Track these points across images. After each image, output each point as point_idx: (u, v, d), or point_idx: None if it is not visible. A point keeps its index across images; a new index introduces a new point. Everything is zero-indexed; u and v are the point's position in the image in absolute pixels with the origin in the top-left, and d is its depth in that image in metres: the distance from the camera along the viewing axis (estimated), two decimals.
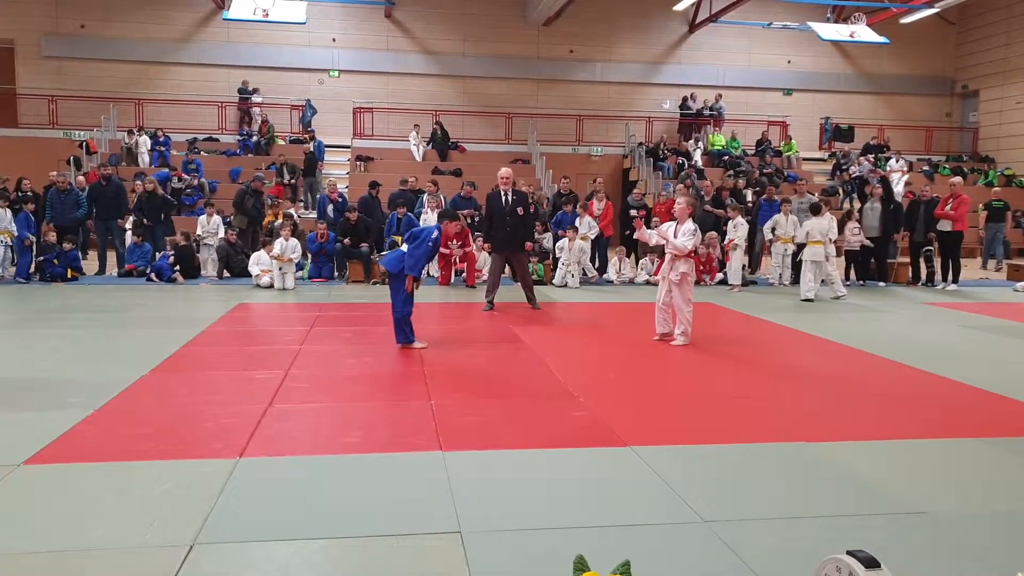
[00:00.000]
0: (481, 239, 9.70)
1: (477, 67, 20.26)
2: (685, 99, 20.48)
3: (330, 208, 11.80)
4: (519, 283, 8.90)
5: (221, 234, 11.18)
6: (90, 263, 11.46)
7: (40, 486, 3.08)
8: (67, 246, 10.23)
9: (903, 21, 19.76)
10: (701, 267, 11.12)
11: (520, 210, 8.40)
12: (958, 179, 12.01)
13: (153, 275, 10.26)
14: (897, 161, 18.82)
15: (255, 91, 18.94)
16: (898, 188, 15.44)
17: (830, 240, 9.56)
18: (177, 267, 10.53)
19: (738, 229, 10.55)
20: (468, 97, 20.35)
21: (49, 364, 5.33)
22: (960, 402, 4.66)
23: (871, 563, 1.02)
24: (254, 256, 10.08)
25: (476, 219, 11.41)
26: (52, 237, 10.25)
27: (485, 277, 10.81)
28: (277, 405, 4.28)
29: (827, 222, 9.68)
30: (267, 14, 15.52)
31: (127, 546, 2.57)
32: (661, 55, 21.05)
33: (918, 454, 3.65)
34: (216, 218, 11.46)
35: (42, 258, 10.04)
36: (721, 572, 2.46)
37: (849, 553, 1.02)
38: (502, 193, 8.41)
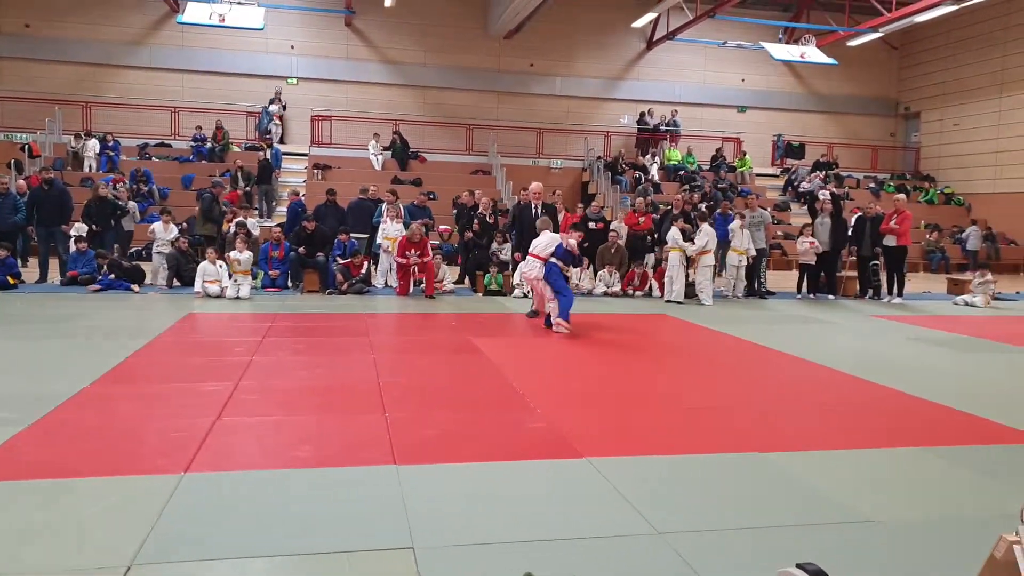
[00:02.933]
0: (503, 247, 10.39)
1: (438, 78, 20.28)
2: (642, 114, 20.83)
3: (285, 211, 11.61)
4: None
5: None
6: (31, 271, 11.01)
7: None
8: (1, 253, 9.76)
9: (850, 44, 20.49)
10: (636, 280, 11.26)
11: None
12: (902, 196, 12.43)
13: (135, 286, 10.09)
14: (826, 181, 19.22)
15: (275, 100, 18.77)
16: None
17: (683, 249, 10.40)
18: (113, 276, 10.17)
19: (703, 236, 10.44)
20: (429, 107, 20.33)
21: None
22: (907, 413, 4.78)
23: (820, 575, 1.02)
24: (199, 268, 9.79)
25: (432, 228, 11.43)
26: None
27: (447, 287, 10.80)
28: (225, 418, 4.15)
29: (677, 232, 10.48)
30: (223, 19, 15.25)
31: (61, 568, 2.44)
32: (620, 71, 21.39)
33: (868, 464, 3.73)
34: (172, 226, 11.12)
35: None
36: None
37: (799, 566, 1.02)
38: (532, 206, 8.65)
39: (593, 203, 13.36)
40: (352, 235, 11.19)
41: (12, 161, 15.11)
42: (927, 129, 22.33)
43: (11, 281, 9.77)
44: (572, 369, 6.03)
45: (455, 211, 13.64)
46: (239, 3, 15.46)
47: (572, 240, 7.68)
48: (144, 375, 5.23)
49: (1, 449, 3.53)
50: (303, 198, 13.58)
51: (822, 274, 11.61)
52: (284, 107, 18.98)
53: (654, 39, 20.89)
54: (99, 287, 9.82)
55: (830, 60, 18.91)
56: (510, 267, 11.18)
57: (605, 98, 21.34)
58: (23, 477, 3.21)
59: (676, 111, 20.86)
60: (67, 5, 18.26)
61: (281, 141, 18.74)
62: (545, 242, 7.63)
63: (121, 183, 13.91)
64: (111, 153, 16.72)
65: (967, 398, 5.06)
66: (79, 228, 11.13)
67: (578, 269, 9.45)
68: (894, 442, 4.08)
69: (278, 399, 4.63)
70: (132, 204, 12.15)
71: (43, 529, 2.71)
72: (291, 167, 18.21)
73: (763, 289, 11.42)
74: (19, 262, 10.61)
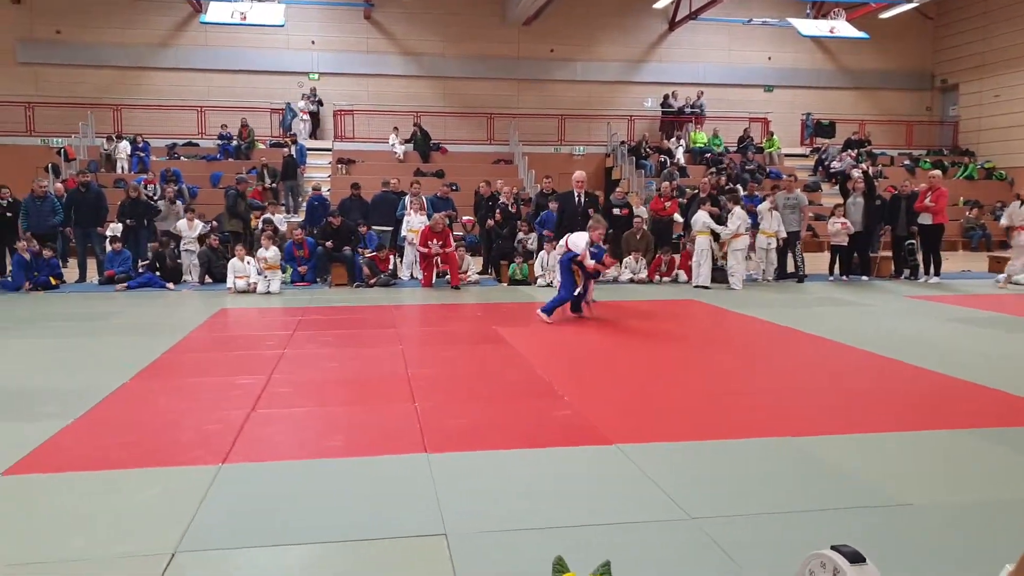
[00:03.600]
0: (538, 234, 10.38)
1: (458, 68, 20.23)
2: (666, 97, 20.55)
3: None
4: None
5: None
6: (70, 271, 11.30)
7: (19, 497, 3.03)
8: (47, 253, 10.11)
9: (882, 16, 19.93)
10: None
11: (592, 211, 8.89)
12: (936, 172, 12.07)
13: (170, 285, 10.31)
14: (859, 159, 18.78)
15: (306, 96, 18.98)
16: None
17: (712, 231, 10.26)
18: (158, 273, 10.45)
19: (736, 219, 10.20)
20: (449, 98, 20.31)
21: (29, 373, 5.24)
22: (946, 394, 4.68)
23: (856, 558, 1.01)
24: (229, 265, 10.00)
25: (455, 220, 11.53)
26: (35, 246, 10.11)
27: (472, 278, 10.84)
28: (260, 410, 4.23)
29: (705, 215, 10.31)
30: (245, 17, 15.41)
31: (108, 555, 2.53)
32: (642, 53, 21.12)
33: (904, 447, 3.67)
34: (198, 223, 11.33)
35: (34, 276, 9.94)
36: (709, 569, 2.46)
37: (834, 548, 1.01)
38: (576, 194, 8.75)
39: (618, 189, 13.27)
40: (376, 228, 11.28)
41: (49, 165, 15.49)
42: (966, 102, 21.63)
43: (53, 281, 10.07)
44: (599, 356, 6.02)
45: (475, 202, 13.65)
46: (260, 1, 15.60)
47: (590, 261, 7.39)
48: (180, 370, 5.35)
49: (49, 443, 3.65)
50: (328, 192, 13.71)
51: (855, 255, 11.39)
52: (320, 103, 19.10)
53: (676, 19, 20.57)
54: (126, 286, 10.06)
55: (861, 34, 18.40)
56: (535, 256, 11.17)
57: (627, 82, 21.09)
58: (70, 469, 3.32)
59: (701, 92, 20.53)
60: (96, 11, 18.58)
61: (313, 136, 18.95)
62: (573, 239, 7.48)
63: (153, 184, 14.21)
64: (142, 154, 17.02)
65: (1009, 378, 4.93)
66: (114, 228, 11.40)
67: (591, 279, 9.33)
68: (932, 424, 4.01)
69: (310, 391, 4.71)
70: (179, 204, 12.23)
71: (90, 518, 2.81)
72: (316, 162, 18.38)
73: (800, 273, 11.15)
74: (59, 263, 10.91)
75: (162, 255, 10.58)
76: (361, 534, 2.67)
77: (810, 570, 1.11)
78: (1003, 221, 11.23)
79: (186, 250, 11.08)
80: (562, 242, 7.75)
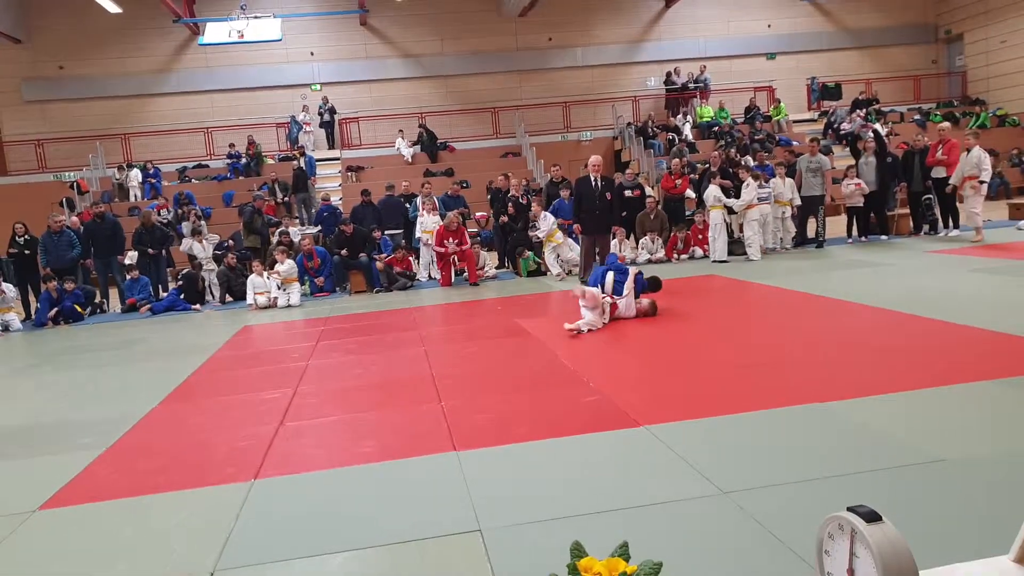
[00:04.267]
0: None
1: (458, 65, 20.21)
2: (669, 74, 20.37)
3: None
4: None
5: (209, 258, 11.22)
6: None
7: (57, 529, 3.08)
8: (69, 286, 10.26)
9: None
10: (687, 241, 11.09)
11: (609, 195, 8.96)
12: (946, 124, 11.83)
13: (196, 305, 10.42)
14: (868, 118, 18.46)
15: (316, 108, 19.18)
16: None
17: (725, 205, 10.17)
18: (182, 295, 10.58)
19: (751, 191, 10.02)
20: (452, 96, 20.30)
21: (60, 406, 5.33)
22: (974, 347, 4.61)
23: (872, 517, 0.99)
24: (249, 281, 10.09)
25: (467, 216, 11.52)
26: (53, 284, 10.27)
27: (489, 274, 10.84)
28: (288, 423, 4.26)
29: (717, 189, 10.22)
30: (242, 35, 15.50)
31: None
32: (640, 33, 20.94)
33: (935, 403, 3.62)
34: (206, 241, 11.43)
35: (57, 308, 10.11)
36: (744, 541, 2.44)
37: (850, 509, 0.99)
38: (592, 179, 8.88)
39: (628, 170, 13.19)
40: (386, 232, 11.33)
41: (64, 199, 15.73)
42: (972, 51, 21.20)
43: (79, 309, 10.22)
44: (622, 339, 5.99)
45: (489, 196, 13.63)
46: (256, 17, 15.69)
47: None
48: (207, 390, 5.41)
49: (84, 473, 3.71)
50: (339, 201, 13.79)
51: (872, 215, 11.22)
52: (333, 110, 19.17)
53: None
54: (149, 307, 10.24)
55: None
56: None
57: (629, 63, 20.93)
58: (106, 498, 3.36)
59: (704, 67, 20.31)
60: (96, 43, 18.81)
61: (330, 146, 19.07)
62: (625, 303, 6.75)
63: (166, 208, 14.38)
64: (153, 180, 17.23)
65: None
66: (131, 257, 11.55)
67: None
68: (962, 378, 3.94)
69: (337, 399, 4.74)
70: (203, 224, 12.38)
71: (130, 544, 2.85)
72: (326, 172, 18.47)
73: (820, 238, 10.97)
74: (83, 293, 11.06)
75: (192, 277, 10.69)
76: (396, 537, 2.69)
77: (829, 533, 1.09)
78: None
79: (207, 270, 11.21)
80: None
